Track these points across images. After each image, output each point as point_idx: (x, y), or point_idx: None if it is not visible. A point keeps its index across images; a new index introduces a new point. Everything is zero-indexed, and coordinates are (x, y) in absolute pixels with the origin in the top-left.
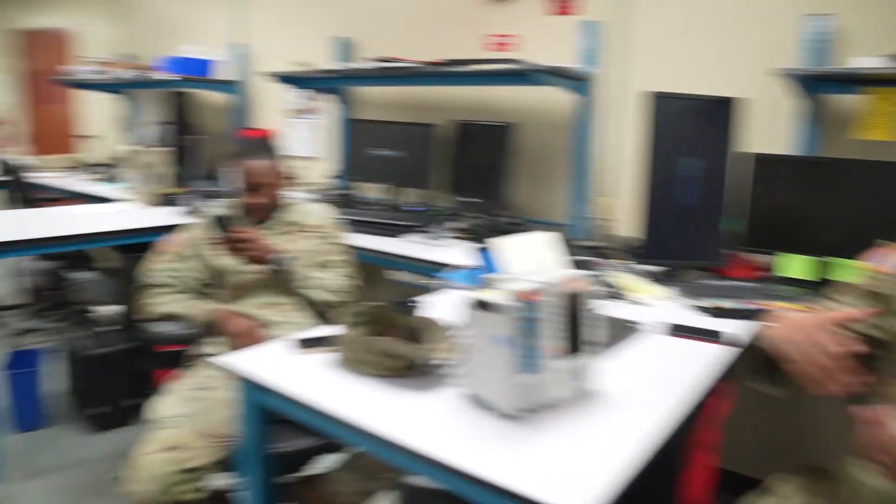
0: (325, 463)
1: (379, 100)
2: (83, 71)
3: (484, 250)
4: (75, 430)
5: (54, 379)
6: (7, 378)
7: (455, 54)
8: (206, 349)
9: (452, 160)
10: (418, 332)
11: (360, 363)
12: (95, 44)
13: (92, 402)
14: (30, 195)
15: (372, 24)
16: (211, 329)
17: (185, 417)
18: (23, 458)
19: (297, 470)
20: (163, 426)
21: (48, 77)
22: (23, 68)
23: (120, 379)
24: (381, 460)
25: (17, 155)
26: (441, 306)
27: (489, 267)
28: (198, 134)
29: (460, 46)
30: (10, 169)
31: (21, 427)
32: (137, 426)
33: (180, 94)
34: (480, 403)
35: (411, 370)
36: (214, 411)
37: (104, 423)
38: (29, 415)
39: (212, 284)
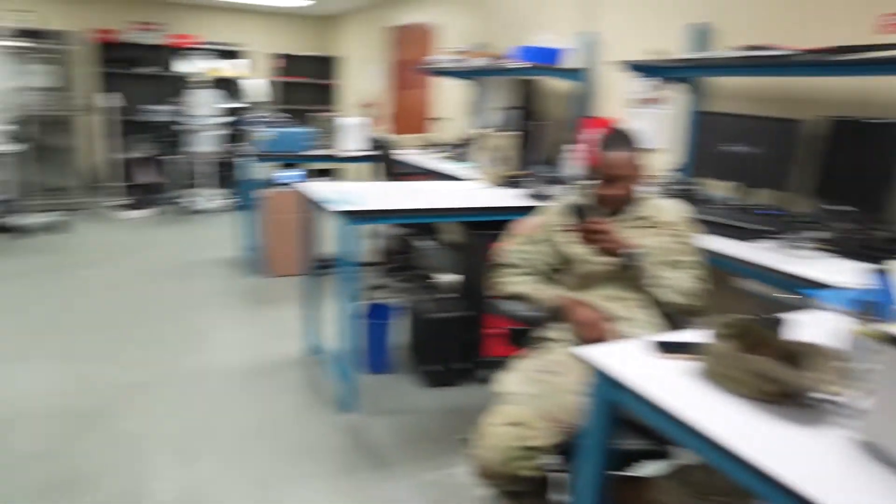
0: (652, 468)
1: (735, 91)
2: (442, 60)
3: (882, 273)
4: (412, 381)
5: (398, 333)
6: (364, 326)
7: (833, 38)
8: (551, 333)
9: (821, 161)
10: (798, 356)
11: (728, 380)
12: (454, 36)
13: (427, 360)
14: (393, 169)
15: (735, 7)
16: (556, 314)
17: (529, 397)
18: (371, 396)
19: (623, 468)
20: (509, 401)
21: (412, 66)
22: (392, 59)
23: (453, 343)
24: (719, 482)
25: (383, 133)
26: (811, 328)
27: (887, 294)
28: (541, 120)
29: (840, 29)
30: (380, 145)
31: (371, 369)
32: (464, 388)
33: (527, 81)
34: (879, 456)
35: (788, 398)
36: (557, 396)
37: (436, 379)
38: (379, 360)
39: (559, 270)
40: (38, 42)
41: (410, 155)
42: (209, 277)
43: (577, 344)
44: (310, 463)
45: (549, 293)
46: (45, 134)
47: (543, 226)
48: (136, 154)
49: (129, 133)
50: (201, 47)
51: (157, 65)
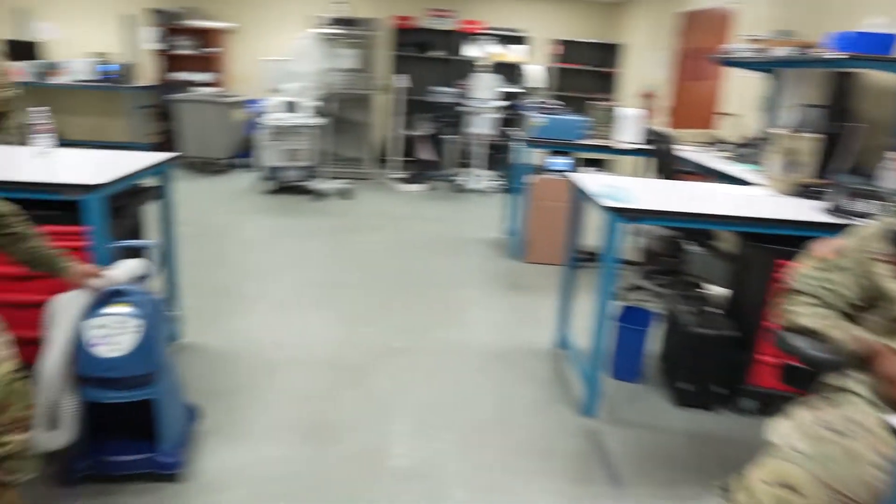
0: None
1: None
2: (739, 49)
3: None
4: (660, 395)
5: (651, 340)
6: (618, 328)
7: None
8: (848, 383)
9: None
10: None
11: None
12: (751, 22)
13: (680, 376)
14: (670, 166)
15: None
16: (858, 362)
17: (807, 457)
18: (614, 403)
19: None
20: (781, 456)
21: (702, 54)
22: (679, 46)
23: (714, 363)
24: None
25: (661, 126)
26: None
27: None
28: (854, 121)
29: None
30: (657, 139)
31: (618, 375)
32: (719, 414)
33: (843, 74)
34: None
35: None
36: (846, 464)
37: (688, 399)
38: (627, 367)
39: (862, 308)
40: (348, 29)
41: (689, 152)
42: (471, 255)
43: (884, 404)
44: (540, 461)
45: (851, 334)
46: (344, 110)
47: (852, 251)
48: (417, 132)
49: (413, 112)
50: (487, 32)
51: (445, 49)
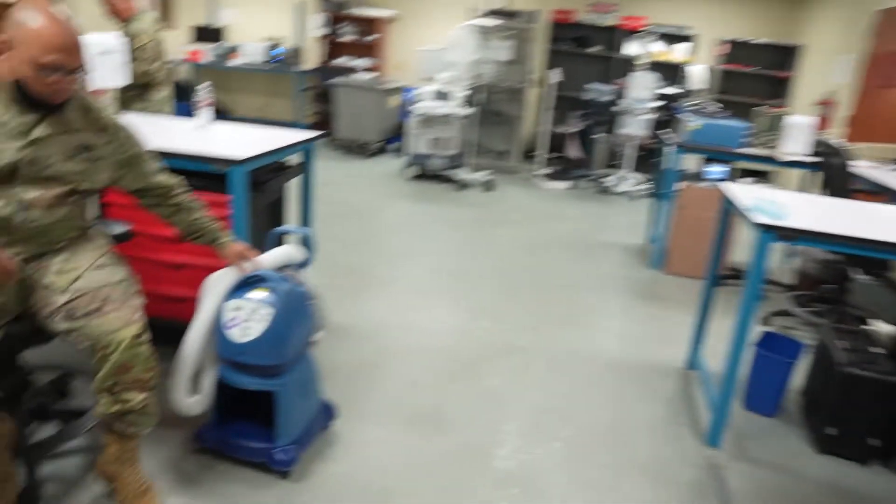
0: None
1: None
2: None
3: None
4: (798, 436)
5: (793, 372)
6: (755, 355)
7: None
8: None
9: None
10: None
11: None
12: None
13: (827, 419)
14: (843, 183)
15: None
16: None
17: None
18: (743, 437)
19: None
20: None
21: None
22: (871, 49)
23: (871, 410)
24: None
25: (834, 138)
26: None
27: None
28: None
29: None
30: (830, 152)
31: (750, 406)
32: (871, 469)
33: None
34: None
35: None
36: None
37: (833, 446)
38: (764, 399)
39: None
40: (506, 20)
41: (867, 168)
42: (608, 260)
43: None
44: (650, 487)
45: None
46: (494, 102)
47: None
48: (567, 129)
49: (564, 108)
50: (649, 30)
51: (604, 45)
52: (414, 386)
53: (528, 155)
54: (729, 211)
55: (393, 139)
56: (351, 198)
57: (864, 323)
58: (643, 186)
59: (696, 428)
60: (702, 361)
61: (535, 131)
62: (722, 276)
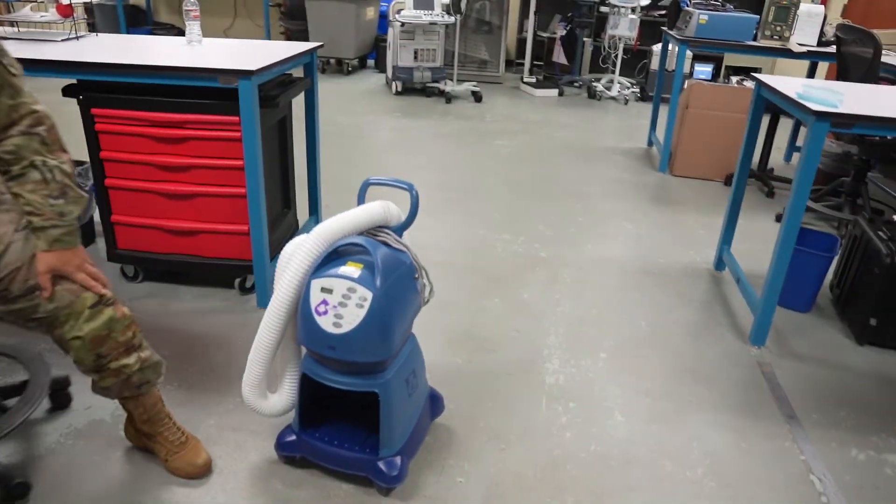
0: None
1: None
2: None
3: None
4: (836, 329)
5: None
6: (793, 253)
7: None
8: None
9: None
10: None
11: None
12: None
13: (867, 310)
14: (874, 70)
15: None
16: None
17: None
18: (780, 333)
19: None
20: None
21: None
22: None
23: None
24: None
25: (852, 24)
26: None
27: None
28: None
29: None
30: (856, 39)
31: (784, 303)
32: None
33: None
34: None
35: None
36: None
37: (874, 336)
38: (799, 295)
39: None
40: None
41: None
42: (612, 166)
43: None
44: (703, 389)
45: None
46: (474, 9)
47: None
48: (551, 34)
49: (547, 12)
50: None
51: None
52: (446, 307)
53: (512, 63)
54: (760, 105)
55: (371, 54)
56: (337, 117)
57: (882, 214)
58: (634, 90)
59: (737, 328)
60: (732, 261)
61: (518, 38)
62: (731, 174)
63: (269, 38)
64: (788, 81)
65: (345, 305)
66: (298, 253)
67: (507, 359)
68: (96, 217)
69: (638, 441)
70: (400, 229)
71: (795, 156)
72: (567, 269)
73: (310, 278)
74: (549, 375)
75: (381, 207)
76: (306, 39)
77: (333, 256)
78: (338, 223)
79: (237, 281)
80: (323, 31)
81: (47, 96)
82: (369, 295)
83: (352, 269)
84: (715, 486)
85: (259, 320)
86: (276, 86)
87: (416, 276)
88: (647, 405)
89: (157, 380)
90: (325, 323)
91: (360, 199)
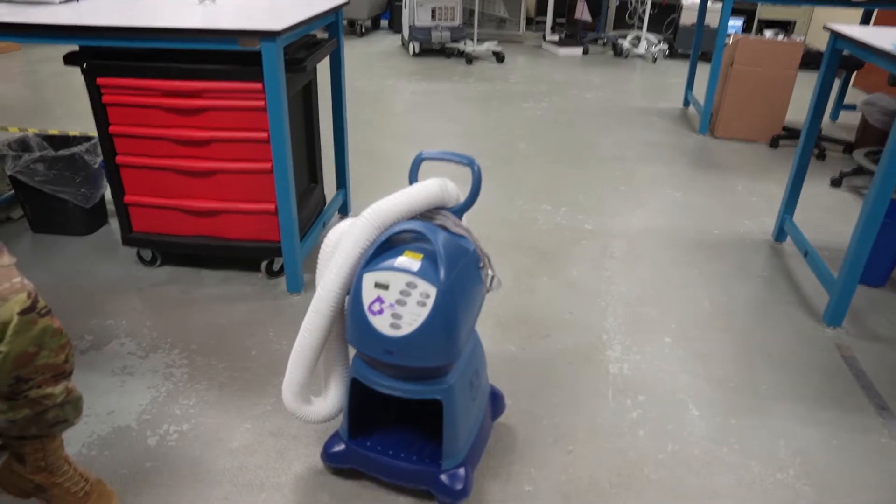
0: None
1: None
2: None
3: None
4: None
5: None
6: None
7: None
8: None
9: None
10: None
11: None
12: None
13: None
14: None
15: None
16: None
17: None
18: (856, 311)
19: None
20: None
21: None
22: None
23: None
24: None
25: None
26: None
27: None
28: None
29: None
30: None
31: (863, 279)
32: None
33: None
34: None
35: None
36: None
37: None
38: (873, 269)
39: None
40: None
41: None
42: (649, 127)
43: None
44: (783, 378)
45: None
46: None
47: None
48: None
49: None
50: None
51: None
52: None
53: (532, 21)
54: (833, 61)
55: (385, 14)
56: (354, 82)
57: None
58: (662, 47)
59: (807, 306)
60: (796, 232)
61: None
62: (787, 136)
63: None
64: (877, 31)
65: (404, 304)
66: (346, 241)
67: (563, 345)
68: (108, 196)
69: (718, 439)
70: (460, 211)
71: (843, 114)
72: (616, 242)
73: (361, 271)
74: (612, 364)
75: (438, 186)
76: None
77: (386, 246)
78: (390, 205)
79: (264, 264)
80: None
81: (48, 67)
82: (433, 291)
83: (410, 261)
84: (811, 490)
85: (290, 306)
86: (301, 48)
87: (481, 265)
88: (723, 396)
89: (75, 420)
90: (381, 324)
91: (413, 176)
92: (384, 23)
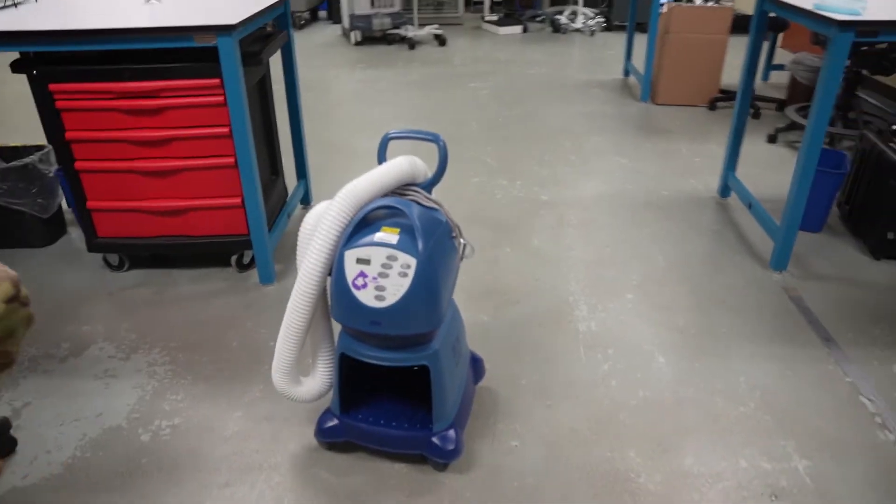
0: None
1: None
2: None
3: None
4: (851, 245)
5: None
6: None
7: None
8: None
9: None
10: None
11: None
12: None
13: (888, 224)
14: None
15: None
16: None
17: None
18: (798, 255)
19: None
20: None
21: None
22: None
23: None
24: None
25: None
26: None
27: None
28: None
29: None
30: None
31: (803, 226)
32: None
33: None
34: None
35: None
36: None
37: (883, 249)
38: (813, 216)
39: None
40: None
41: None
42: (591, 99)
43: None
44: (736, 320)
45: None
46: None
47: None
48: None
49: None
50: None
51: None
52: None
53: (470, 3)
54: (761, 23)
55: (322, 5)
56: (302, 74)
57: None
58: (598, 20)
59: (754, 254)
60: (739, 187)
61: None
62: (722, 97)
63: None
64: None
65: (386, 276)
66: (324, 222)
67: (533, 309)
68: (64, 206)
69: (684, 381)
70: (429, 185)
71: (773, 75)
72: (572, 210)
73: (342, 249)
74: (580, 323)
75: (408, 163)
76: None
77: (363, 224)
78: (364, 184)
79: (234, 258)
80: None
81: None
82: (412, 261)
83: (388, 235)
84: (769, 418)
85: (263, 297)
86: (254, 41)
87: (454, 234)
88: (686, 343)
89: None
90: (366, 297)
91: (381, 157)
92: (322, 14)
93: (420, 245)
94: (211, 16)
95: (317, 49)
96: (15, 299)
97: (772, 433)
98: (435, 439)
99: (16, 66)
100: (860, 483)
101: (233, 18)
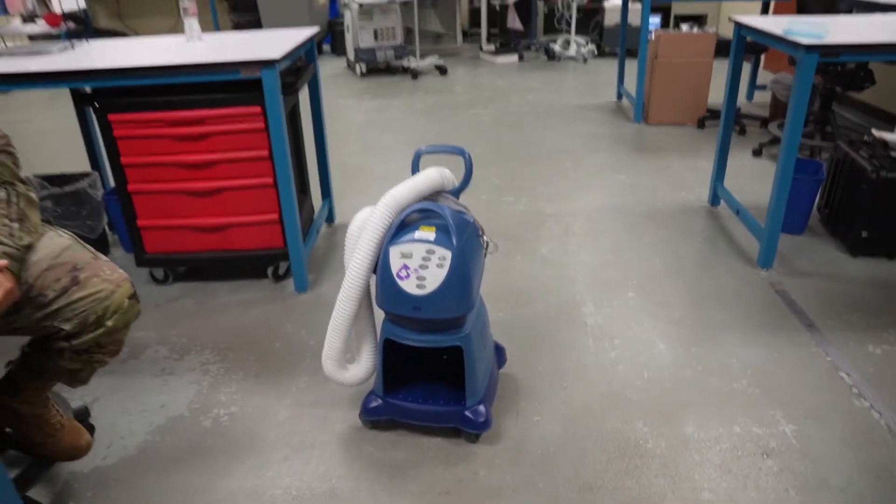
0: None
1: None
2: None
3: None
4: (831, 245)
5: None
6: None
7: None
8: None
9: None
10: None
11: None
12: None
13: (862, 224)
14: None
15: None
16: None
17: None
18: (783, 255)
19: None
20: None
21: None
22: None
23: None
24: None
25: None
26: None
27: None
28: None
29: None
30: None
31: (783, 227)
32: None
33: None
34: None
35: None
36: None
37: (867, 247)
38: (794, 219)
39: None
40: None
41: None
42: (588, 122)
43: None
44: (729, 313)
45: None
46: None
47: None
48: (503, 1)
49: None
50: None
51: None
52: None
53: (467, 34)
54: (740, 47)
55: (326, 39)
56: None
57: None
58: (590, 47)
59: (743, 255)
60: (727, 195)
61: (470, 9)
62: (706, 117)
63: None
64: (772, 20)
65: (426, 267)
66: (370, 224)
67: (545, 308)
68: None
69: (683, 364)
70: (457, 192)
71: (757, 94)
72: (574, 221)
73: (387, 246)
74: (588, 318)
75: (438, 173)
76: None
77: (402, 225)
78: (402, 191)
79: (270, 269)
80: (276, 21)
81: (8, 116)
82: (448, 254)
83: (427, 233)
84: (759, 392)
85: (300, 303)
86: (287, 73)
87: (480, 233)
88: (683, 332)
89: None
90: (409, 286)
91: (415, 168)
92: (326, 47)
93: (454, 240)
94: (250, 52)
95: (325, 80)
96: (133, 296)
97: (762, 404)
98: (468, 413)
99: (79, 99)
100: (839, 443)
101: (276, 53)
